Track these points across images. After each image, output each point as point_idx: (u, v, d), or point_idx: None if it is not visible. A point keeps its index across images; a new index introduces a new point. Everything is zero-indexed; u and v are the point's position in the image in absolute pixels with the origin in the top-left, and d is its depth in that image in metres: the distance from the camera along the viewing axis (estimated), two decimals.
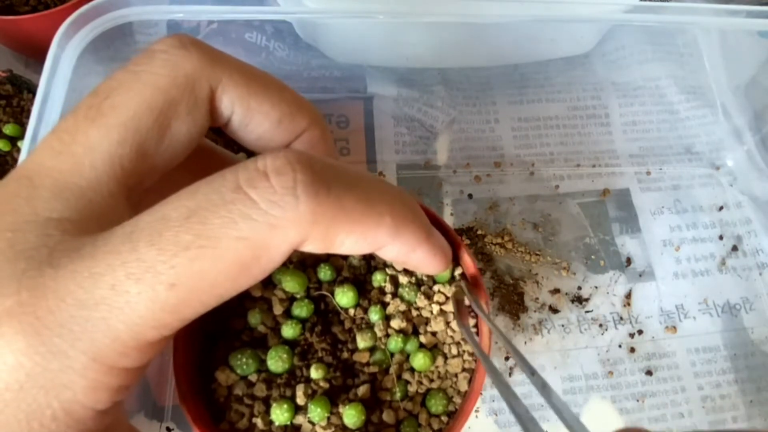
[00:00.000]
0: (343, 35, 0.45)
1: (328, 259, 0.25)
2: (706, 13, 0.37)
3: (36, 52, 0.42)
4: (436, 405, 0.22)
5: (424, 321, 0.24)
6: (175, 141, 0.19)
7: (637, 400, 0.39)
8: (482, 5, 0.35)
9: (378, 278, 0.24)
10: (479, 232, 0.42)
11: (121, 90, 0.18)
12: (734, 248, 0.44)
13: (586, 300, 0.42)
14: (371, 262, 0.25)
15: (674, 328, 0.41)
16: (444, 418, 0.23)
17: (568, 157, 0.47)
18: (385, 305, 0.24)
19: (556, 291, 0.42)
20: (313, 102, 0.22)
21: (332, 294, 0.24)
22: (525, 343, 0.40)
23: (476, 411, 0.38)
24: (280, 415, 0.21)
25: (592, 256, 0.43)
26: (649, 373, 0.40)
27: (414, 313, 0.24)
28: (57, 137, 0.17)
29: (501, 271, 0.42)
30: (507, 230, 0.43)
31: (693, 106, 0.49)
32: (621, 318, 0.41)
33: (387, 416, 0.22)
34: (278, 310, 0.23)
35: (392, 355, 0.23)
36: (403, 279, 0.24)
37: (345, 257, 0.25)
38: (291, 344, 0.23)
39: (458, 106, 0.47)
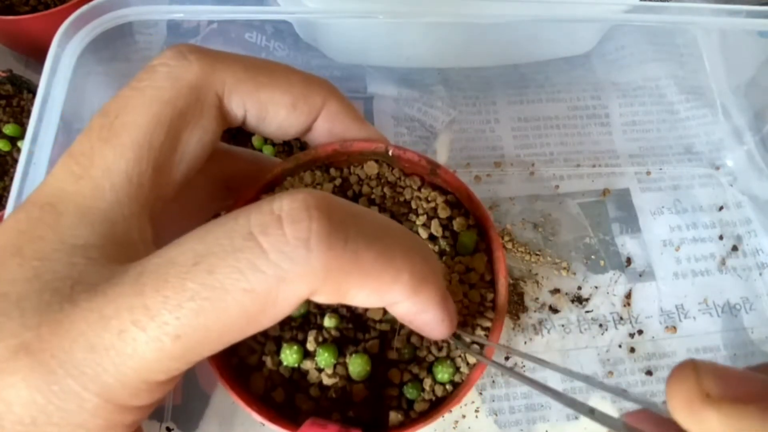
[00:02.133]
0: (343, 35, 0.45)
1: None
2: (706, 13, 0.37)
3: (36, 52, 0.42)
4: (443, 373, 0.22)
5: None
6: (188, 151, 0.19)
7: None
8: (482, 5, 0.35)
9: None
10: None
11: (129, 108, 0.18)
12: (734, 248, 0.44)
13: (586, 300, 0.42)
14: None
15: (674, 328, 0.41)
16: (449, 387, 0.23)
17: (568, 157, 0.47)
18: None
19: (556, 291, 0.42)
20: None
21: None
22: (525, 343, 0.40)
23: (476, 411, 0.38)
24: (289, 356, 0.21)
25: (592, 256, 0.43)
26: (649, 373, 0.40)
27: None
28: (75, 161, 0.17)
29: None
30: (507, 230, 0.43)
31: (693, 106, 0.49)
32: (621, 318, 0.41)
33: (392, 374, 0.22)
34: None
35: None
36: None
37: None
38: None
39: (458, 106, 0.47)
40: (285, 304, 0.15)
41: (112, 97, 0.18)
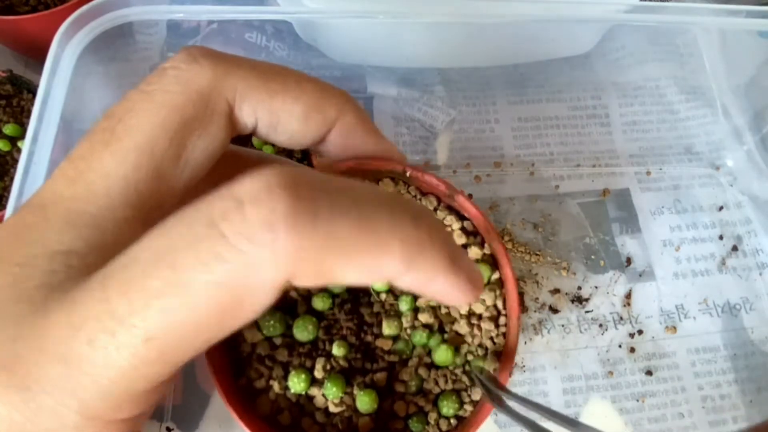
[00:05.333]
0: (343, 35, 0.45)
1: None
2: (706, 13, 0.37)
3: (36, 52, 0.42)
4: (448, 407, 0.22)
5: (451, 320, 0.24)
6: (193, 159, 0.18)
7: (637, 400, 0.39)
8: (482, 5, 0.35)
9: None
10: None
11: (135, 111, 0.17)
12: (734, 248, 0.44)
13: (586, 300, 0.42)
14: None
15: (674, 328, 0.41)
16: (453, 421, 0.23)
17: (568, 157, 0.47)
18: (416, 297, 0.24)
19: (556, 291, 0.42)
20: None
21: None
22: (525, 343, 0.40)
23: None
24: (297, 383, 0.21)
25: (592, 256, 0.43)
26: (649, 373, 0.40)
27: (443, 310, 0.24)
28: (72, 164, 0.17)
29: None
30: (507, 230, 0.43)
31: (693, 106, 0.49)
32: (621, 318, 0.41)
33: (398, 407, 0.22)
34: None
35: (413, 347, 0.23)
36: None
37: None
38: (318, 316, 0.23)
39: (458, 106, 0.47)
40: (261, 293, 0.14)
41: (120, 99, 0.18)
